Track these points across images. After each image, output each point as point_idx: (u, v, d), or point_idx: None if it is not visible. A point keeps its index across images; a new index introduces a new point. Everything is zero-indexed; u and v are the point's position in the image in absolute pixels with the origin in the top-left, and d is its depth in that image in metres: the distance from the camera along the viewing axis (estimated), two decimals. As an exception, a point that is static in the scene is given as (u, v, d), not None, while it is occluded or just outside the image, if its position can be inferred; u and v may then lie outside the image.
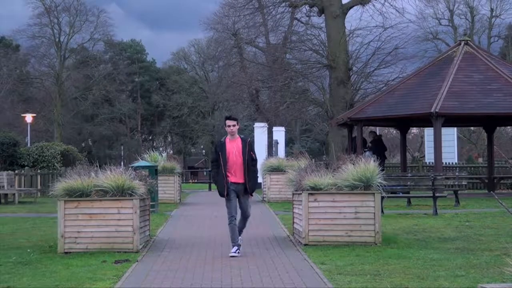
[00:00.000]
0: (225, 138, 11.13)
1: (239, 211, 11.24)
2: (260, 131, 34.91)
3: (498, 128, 29.80)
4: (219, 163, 10.94)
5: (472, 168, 31.98)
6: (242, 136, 11.16)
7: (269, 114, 41.41)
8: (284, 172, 19.05)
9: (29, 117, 44.87)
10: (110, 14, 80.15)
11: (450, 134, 33.09)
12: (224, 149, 10.92)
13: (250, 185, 11.03)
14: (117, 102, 69.59)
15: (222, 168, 10.89)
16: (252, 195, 11.24)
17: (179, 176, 23.92)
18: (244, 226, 11.44)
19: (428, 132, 34.14)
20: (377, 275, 8.97)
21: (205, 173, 54.97)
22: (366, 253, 10.76)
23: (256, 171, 11.25)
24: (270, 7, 39.58)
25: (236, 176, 10.93)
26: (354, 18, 60.13)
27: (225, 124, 11.09)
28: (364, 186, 11.63)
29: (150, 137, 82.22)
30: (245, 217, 11.27)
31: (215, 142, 11.38)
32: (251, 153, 10.95)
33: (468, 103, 23.24)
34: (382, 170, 12.45)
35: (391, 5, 36.55)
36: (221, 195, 11.05)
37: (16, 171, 27.52)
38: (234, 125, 10.95)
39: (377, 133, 25.76)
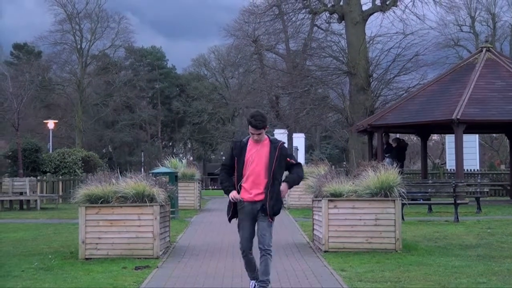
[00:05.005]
0: (248, 138, 8.15)
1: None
2: (280, 137, 34.81)
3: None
4: (231, 169, 8.10)
5: (494, 175, 31.75)
6: (272, 137, 8.22)
7: (289, 120, 41.43)
8: (304, 178, 19.03)
9: (51, 123, 45.19)
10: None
11: (471, 141, 32.90)
12: (243, 153, 8.00)
13: (272, 204, 7.92)
14: (137, 108, 69.92)
15: (235, 178, 8.08)
16: (272, 219, 8.03)
17: (199, 183, 23.98)
18: (266, 271, 7.99)
19: (449, 139, 33.99)
20: (397, 282, 8.93)
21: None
22: (386, 260, 10.72)
23: (300, 178, 8.21)
24: (290, 14, 39.67)
25: (253, 191, 7.96)
26: (374, 24, 59.87)
27: (248, 127, 8.11)
28: (384, 193, 11.58)
29: (170, 144, 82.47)
30: (262, 249, 7.97)
31: (234, 141, 8.28)
32: (288, 159, 8.09)
33: (489, 110, 23.10)
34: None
35: (412, 12, 36.49)
36: (227, 216, 8.25)
37: (38, 177, 27.75)
38: (259, 134, 7.98)
39: (400, 140, 25.65)
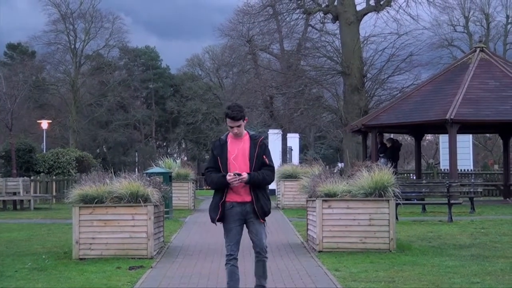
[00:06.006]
0: (227, 135, 7.63)
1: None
2: (274, 137, 34.97)
3: (513, 135, 29.78)
4: (217, 171, 7.51)
5: (488, 175, 31.81)
6: (252, 133, 7.66)
7: (283, 120, 41.39)
8: (298, 178, 19.03)
9: (44, 124, 45.11)
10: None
11: (465, 141, 32.97)
12: (224, 151, 7.48)
13: (259, 205, 7.47)
14: (131, 108, 69.84)
15: None
16: (264, 220, 7.60)
17: (193, 183, 23.97)
18: (264, 274, 7.68)
19: (443, 139, 34.04)
20: (391, 282, 8.94)
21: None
22: (380, 260, 10.73)
23: (265, 179, 7.48)
24: (285, 14, 39.66)
25: (239, 192, 7.48)
26: (368, 24, 60.20)
27: (226, 122, 7.59)
28: (378, 193, 11.59)
29: (164, 144, 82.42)
30: (259, 252, 7.61)
31: (213, 141, 7.79)
32: (264, 156, 7.48)
33: (483, 110, 23.14)
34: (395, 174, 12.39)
35: (406, 12, 36.49)
36: (212, 220, 7.67)
37: (32, 177, 27.68)
38: (239, 126, 7.48)
39: (394, 140, 25.69)
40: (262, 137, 7.64)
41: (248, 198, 7.47)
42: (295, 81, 36.60)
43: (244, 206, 7.49)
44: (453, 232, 14.65)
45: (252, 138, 7.54)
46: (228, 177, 7.35)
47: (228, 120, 7.46)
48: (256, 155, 7.45)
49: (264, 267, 7.63)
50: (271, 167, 7.56)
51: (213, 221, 7.63)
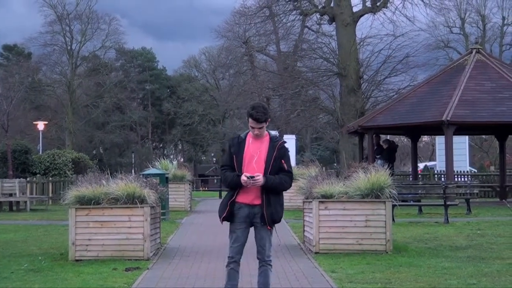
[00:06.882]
0: (246, 133, 7.26)
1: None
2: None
3: (510, 136, 29.90)
4: (233, 169, 7.14)
5: (484, 177, 31.85)
6: (272, 134, 7.35)
7: (279, 122, 41.46)
8: (295, 180, 19.02)
9: (41, 125, 45.03)
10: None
11: (461, 142, 33.00)
12: (241, 149, 7.13)
13: (269, 211, 7.10)
14: (128, 109, 69.84)
15: None
16: (271, 228, 7.25)
17: (189, 184, 23.97)
18: (267, 283, 7.22)
19: (440, 140, 34.05)
20: (388, 284, 8.95)
21: (215, 180, 55.13)
22: (377, 261, 10.73)
23: (282, 184, 7.15)
24: (281, 15, 39.75)
25: (250, 193, 7.11)
26: (364, 26, 60.40)
27: (248, 121, 7.18)
28: (375, 194, 11.60)
29: (161, 145, 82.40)
30: (260, 259, 7.24)
31: (231, 138, 7.41)
32: (282, 161, 7.14)
33: (479, 112, 23.18)
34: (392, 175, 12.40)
35: (402, 14, 36.65)
36: (220, 217, 7.25)
37: (28, 179, 27.65)
38: (260, 128, 7.12)
39: (391, 141, 25.72)
40: (283, 140, 7.32)
41: (257, 201, 7.09)
42: (292, 83, 36.67)
43: (252, 209, 7.11)
44: (449, 233, 14.67)
45: (272, 140, 7.18)
46: (242, 179, 6.99)
47: (250, 120, 7.08)
48: (273, 158, 7.08)
49: (267, 275, 7.19)
50: (289, 173, 7.21)
51: (220, 218, 7.27)
